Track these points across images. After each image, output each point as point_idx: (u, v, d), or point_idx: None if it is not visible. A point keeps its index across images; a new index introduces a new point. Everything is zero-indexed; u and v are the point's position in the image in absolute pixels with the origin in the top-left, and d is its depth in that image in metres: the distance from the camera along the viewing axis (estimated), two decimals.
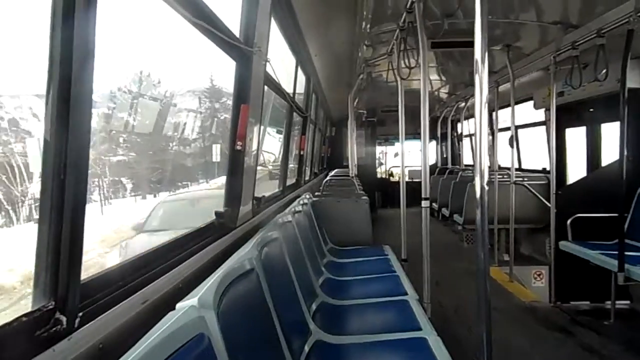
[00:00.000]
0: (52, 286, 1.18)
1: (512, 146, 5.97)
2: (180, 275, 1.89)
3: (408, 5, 3.70)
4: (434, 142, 12.39)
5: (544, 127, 6.85)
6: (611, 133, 5.63)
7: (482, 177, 1.94)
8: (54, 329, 1.15)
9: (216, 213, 2.64)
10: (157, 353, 1.15)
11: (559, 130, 5.36)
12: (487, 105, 1.96)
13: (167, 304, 1.52)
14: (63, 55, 1.18)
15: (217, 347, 1.41)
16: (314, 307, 3.14)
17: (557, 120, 5.15)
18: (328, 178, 7.40)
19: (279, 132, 7.09)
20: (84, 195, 1.26)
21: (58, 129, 1.19)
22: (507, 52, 5.34)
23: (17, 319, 1.08)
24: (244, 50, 2.73)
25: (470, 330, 3.90)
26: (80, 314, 1.24)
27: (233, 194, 2.84)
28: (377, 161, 13.51)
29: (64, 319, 1.18)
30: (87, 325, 1.25)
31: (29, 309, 1.14)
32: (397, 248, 4.78)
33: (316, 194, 5.94)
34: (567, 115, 5.76)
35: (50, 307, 1.17)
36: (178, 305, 1.45)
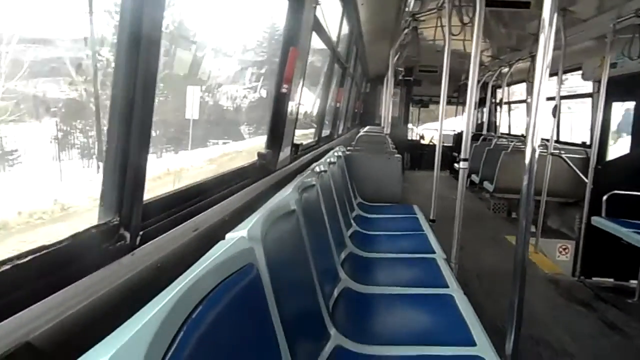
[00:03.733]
0: (117, 203, 1.23)
1: (554, 116, 5.81)
2: (226, 209, 1.94)
3: None
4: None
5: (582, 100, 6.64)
6: None
7: (533, 145, 1.90)
8: (119, 243, 1.21)
9: (258, 154, 2.68)
10: (210, 278, 1.20)
11: (606, 103, 5.16)
12: (548, 70, 1.89)
13: (215, 234, 1.56)
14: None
15: (264, 278, 1.46)
16: (342, 256, 3.20)
17: (606, 93, 4.96)
18: (361, 134, 7.37)
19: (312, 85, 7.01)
20: (149, 119, 1.29)
21: (128, 51, 1.20)
22: (562, 16, 5.10)
23: (87, 230, 1.14)
24: None
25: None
26: (142, 232, 1.30)
27: (275, 138, 2.87)
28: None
29: (127, 235, 1.23)
30: (147, 244, 1.31)
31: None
32: (424, 208, 4.79)
33: (349, 148, 5.92)
34: (616, 89, 5.53)
35: (116, 222, 1.22)
36: (228, 236, 1.49)
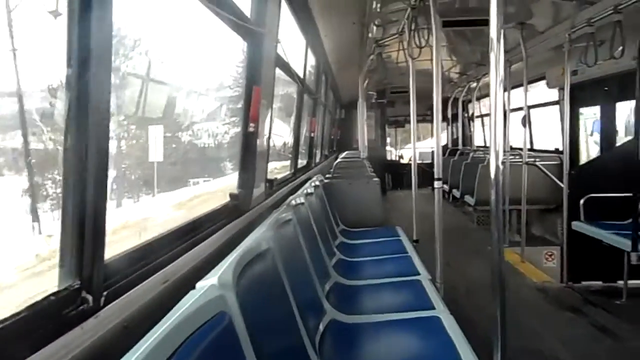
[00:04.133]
0: (77, 266, 1.21)
1: (524, 126, 5.92)
2: (198, 255, 1.92)
3: None
4: (443, 123, 12.32)
5: (554, 107, 6.79)
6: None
7: (497, 157, 1.94)
8: (81, 307, 1.18)
9: (230, 195, 2.66)
10: (180, 331, 1.17)
11: (572, 109, 5.29)
12: (502, 84, 1.95)
13: (186, 283, 1.54)
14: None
15: (238, 325, 1.43)
16: (327, 287, 3.17)
17: (571, 100, 5.09)
18: (338, 160, 7.41)
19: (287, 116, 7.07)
20: (105, 176, 1.28)
21: (79, 110, 1.20)
22: (520, 30, 5.26)
23: (46, 297, 1.12)
24: (255, 31, 2.72)
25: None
26: (105, 292, 1.27)
27: (246, 176, 2.86)
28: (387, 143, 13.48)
29: (89, 297, 1.21)
30: (111, 304, 1.29)
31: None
32: (407, 229, 4.80)
33: (327, 176, 5.94)
34: (580, 94, 5.69)
35: (77, 286, 1.20)
36: (198, 285, 1.47)
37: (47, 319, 1.09)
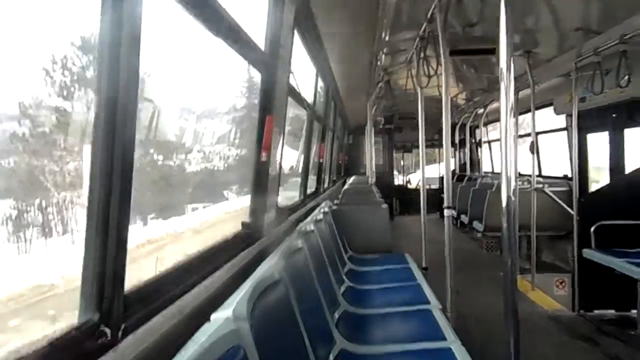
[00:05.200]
0: (97, 299, 1.23)
1: (532, 152, 5.93)
2: (212, 285, 1.93)
3: (429, 16, 3.72)
4: (451, 149, 12.34)
5: (563, 133, 6.81)
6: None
7: (508, 184, 1.95)
8: (99, 340, 1.19)
9: (243, 224, 2.68)
10: None
11: (580, 136, 5.30)
12: (512, 111, 1.97)
13: (202, 314, 1.55)
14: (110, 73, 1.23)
15: (252, 358, 1.44)
16: (336, 315, 3.16)
17: (579, 126, 5.11)
18: (347, 186, 7.43)
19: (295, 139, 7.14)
20: (127, 210, 1.31)
21: (104, 147, 1.24)
22: (527, 58, 5.32)
23: (67, 332, 1.13)
24: (269, 62, 2.78)
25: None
26: (123, 325, 1.28)
27: (258, 205, 2.88)
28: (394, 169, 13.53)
29: (108, 331, 1.22)
30: (129, 336, 1.30)
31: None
32: (415, 255, 4.78)
33: (335, 201, 5.96)
34: (588, 121, 5.70)
35: (96, 319, 1.21)
36: (213, 317, 1.48)
37: (67, 353, 1.10)
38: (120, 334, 1.27)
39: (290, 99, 3.78)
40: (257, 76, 2.90)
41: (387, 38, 4.58)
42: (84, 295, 1.22)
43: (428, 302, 3.40)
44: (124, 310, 1.31)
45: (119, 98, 1.25)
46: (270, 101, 2.87)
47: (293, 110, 5.81)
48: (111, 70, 1.24)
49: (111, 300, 1.24)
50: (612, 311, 4.94)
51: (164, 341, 1.44)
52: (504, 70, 1.93)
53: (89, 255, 1.23)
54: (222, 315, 1.48)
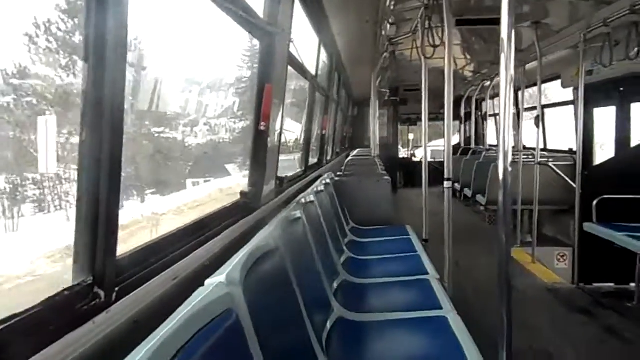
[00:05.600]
0: (90, 262, 1.25)
1: (537, 126, 5.87)
2: (208, 253, 1.95)
3: None
4: (456, 122, 12.25)
5: (569, 107, 6.73)
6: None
7: (505, 157, 1.94)
8: (94, 302, 1.22)
9: (241, 193, 2.70)
10: (188, 328, 1.20)
11: (587, 109, 5.24)
12: (512, 84, 1.95)
13: (196, 280, 1.57)
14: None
15: (245, 322, 1.46)
16: (335, 285, 3.19)
17: (586, 100, 5.04)
18: (350, 158, 7.42)
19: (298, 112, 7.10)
20: (119, 174, 1.32)
21: (93, 109, 1.24)
22: (535, 29, 5.22)
23: (60, 292, 1.15)
24: (268, 31, 2.74)
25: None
26: (117, 288, 1.31)
27: (257, 174, 2.89)
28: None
29: (102, 293, 1.24)
30: (122, 299, 1.32)
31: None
32: (417, 228, 4.80)
33: (338, 173, 5.96)
34: (595, 95, 5.62)
35: (89, 281, 1.23)
36: (207, 282, 1.50)
37: (61, 313, 1.13)
38: (114, 296, 1.29)
39: (292, 70, 3.75)
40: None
41: (392, 7, 4.49)
42: (76, 257, 1.24)
43: (427, 273, 3.43)
44: (117, 273, 1.34)
45: (106, 68, 1.24)
46: (268, 70, 2.84)
47: (297, 83, 5.76)
48: (97, 37, 1.23)
49: (104, 263, 1.26)
50: (612, 284, 4.97)
51: (158, 304, 1.47)
52: (505, 41, 1.89)
53: (80, 218, 1.24)
54: (216, 280, 1.50)
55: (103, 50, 1.24)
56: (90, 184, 1.25)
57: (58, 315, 1.12)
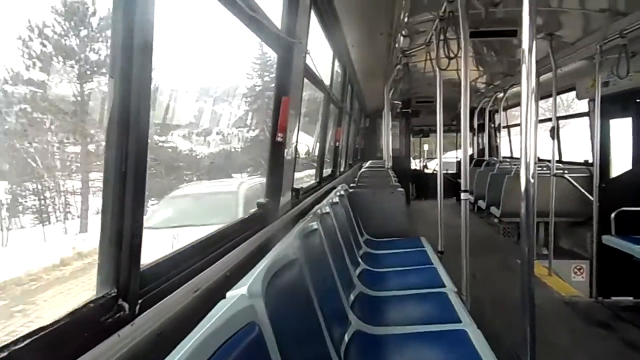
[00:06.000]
0: (114, 274, 1.25)
1: (553, 137, 5.82)
2: (228, 264, 1.95)
3: None
4: (469, 134, 12.20)
5: (584, 118, 6.67)
6: None
7: (527, 169, 1.92)
8: (118, 315, 1.21)
9: (258, 204, 2.70)
10: (212, 341, 1.19)
11: (603, 121, 5.19)
12: (534, 95, 1.93)
13: (217, 292, 1.56)
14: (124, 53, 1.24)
15: (267, 335, 1.45)
16: (352, 297, 3.17)
17: (602, 111, 4.99)
18: (363, 170, 7.41)
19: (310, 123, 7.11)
20: (143, 187, 1.32)
21: (119, 124, 1.24)
22: (549, 41, 5.20)
23: (84, 305, 1.15)
24: (285, 42, 2.76)
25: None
26: (140, 301, 1.30)
27: (274, 186, 2.89)
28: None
29: (126, 305, 1.24)
30: (146, 312, 1.32)
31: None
32: (432, 239, 4.76)
33: (351, 185, 5.95)
34: (611, 106, 5.57)
35: (114, 294, 1.23)
36: (228, 294, 1.49)
37: (86, 326, 1.12)
38: (137, 308, 1.29)
39: (306, 82, 3.76)
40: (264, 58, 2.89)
41: (405, 19, 4.51)
42: (100, 269, 1.24)
43: (444, 285, 3.40)
44: (140, 285, 1.33)
45: (132, 82, 1.25)
46: (286, 82, 2.86)
47: (306, 92, 5.78)
48: (124, 52, 1.24)
49: (128, 276, 1.26)
50: (631, 298, 4.88)
51: (180, 316, 1.46)
52: (526, 52, 1.89)
53: (105, 230, 1.24)
54: (237, 292, 1.49)
55: (130, 65, 1.24)
56: (115, 196, 1.25)
57: (83, 328, 1.12)
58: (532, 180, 1.93)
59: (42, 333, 1.01)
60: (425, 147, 14.85)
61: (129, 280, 1.26)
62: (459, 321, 2.73)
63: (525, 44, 1.89)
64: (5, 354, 0.92)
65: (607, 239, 4.62)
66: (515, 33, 4.88)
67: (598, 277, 4.99)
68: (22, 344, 0.95)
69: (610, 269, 4.88)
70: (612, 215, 4.59)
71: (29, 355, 0.97)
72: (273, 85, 2.91)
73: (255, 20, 2.16)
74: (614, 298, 4.92)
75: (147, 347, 1.27)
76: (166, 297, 1.43)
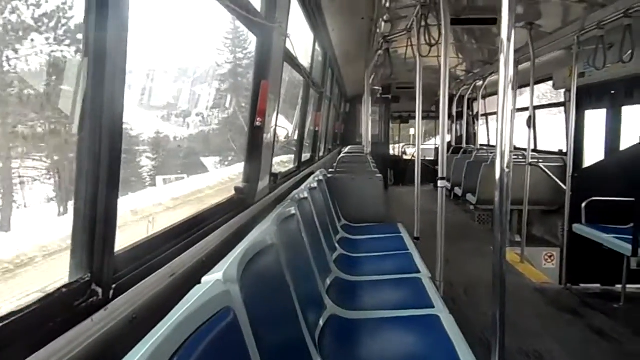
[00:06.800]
0: (88, 259, 1.23)
1: (529, 127, 5.92)
2: (204, 249, 1.94)
3: None
4: (447, 121, 12.32)
5: (558, 109, 6.80)
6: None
7: (503, 158, 1.95)
8: (91, 299, 1.21)
9: (236, 189, 2.69)
10: (187, 326, 1.19)
11: (578, 112, 5.29)
12: (512, 84, 1.95)
13: (192, 277, 1.56)
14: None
15: (242, 320, 1.46)
16: (328, 282, 3.20)
17: (577, 102, 5.09)
18: (342, 155, 7.42)
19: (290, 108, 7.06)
20: (118, 171, 1.30)
21: (92, 106, 1.22)
22: (529, 30, 5.25)
23: (57, 290, 1.14)
24: (265, 26, 2.72)
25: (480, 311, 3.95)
26: (114, 285, 1.30)
27: (252, 170, 2.88)
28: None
29: (99, 290, 1.23)
30: (120, 296, 1.31)
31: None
32: (408, 225, 4.82)
33: (330, 170, 5.96)
34: (587, 97, 5.68)
35: (87, 278, 1.22)
36: (204, 279, 1.49)
37: (59, 310, 1.12)
38: (111, 293, 1.28)
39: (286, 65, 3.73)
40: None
41: (387, 4, 4.49)
42: (74, 254, 1.23)
43: (418, 271, 3.45)
44: (114, 270, 1.32)
45: (106, 63, 1.23)
46: (265, 66, 2.83)
47: (286, 76, 5.73)
48: (98, 32, 1.21)
49: (101, 260, 1.25)
50: (598, 285, 5.04)
51: (155, 301, 1.46)
52: (505, 41, 1.90)
53: (79, 215, 1.23)
54: (213, 277, 1.49)
55: (103, 45, 1.22)
56: (89, 181, 1.23)
57: (56, 312, 1.11)
58: (507, 170, 1.96)
59: (13, 318, 1.00)
60: (412, 131, 14.90)
61: (102, 265, 1.25)
62: (432, 306, 2.78)
63: (504, 33, 1.90)
64: None
65: (577, 228, 4.74)
66: (495, 21, 4.92)
67: (568, 264, 5.14)
68: None
69: (579, 257, 5.02)
70: (583, 204, 4.71)
71: (1, 339, 0.96)
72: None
73: (233, 1, 2.13)
74: (582, 285, 5.07)
75: (122, 332, 1.27)
76: (141, 282, 1.43)
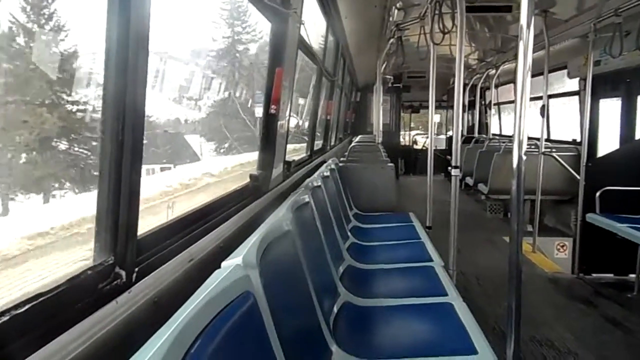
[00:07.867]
0: (112, 242, 1.25)
1: (543, 116, 5.85)
2: (221, 235, 1.96)
3: None
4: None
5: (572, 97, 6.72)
6: None
7: (520, 146, 1.93)
8: (115, 282, 1.23)
9: (251, 176, 2.70)
10: (208, 309, 1.20)
11: (593, 100, 5.22)
12: (530, 72, 1.93)
13: (210, 262, 1.58)
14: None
15: (261, 304, 1.47)
16: (341, 269, 3.21)
17: (592, 91, 5.02)
18: (353, 144, 7.41)
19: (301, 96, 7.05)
20: (140, 155, 1.31)
21: (116, 90, 1.23)
22: (544, 17, 5.17)
23: (82, 272, 1.16)
24: (280, 12, 2.71)
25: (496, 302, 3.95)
26: (136, 269, 1.31)
27: (266, 158, 2.89)
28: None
29: (123, 273, 1.25)
30: (142, 280, 1.33)
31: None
32: (419, 214, 4.82)
33: (341, 159, 5.96)
34: (601, 86, 5.59)
35: (111, 261, 1.24)
36: (224, 264, 1.50)
37: (85, 292, 1.14)
38: (134, 276, 1.30)
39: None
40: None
41: None
42: (98, 237, 1.25)
43: (431, 260, 3.45)
44: (137, 253, 1.34)
45: (129, 47, 1.23)
46: (280, 53, 2.82)
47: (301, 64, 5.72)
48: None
49: (125, 244, 1.27)
50: (611, 275, 5.01)
51: (176, 285, 1.48)
52: (524, 27, 1.87)
53: (103, 198, 1.24)
54: (232, 262, 1.50)
55: (127, 33, 1.23)
56: (113, 164, 1.25)
57: (82, 294, 1.13)
58: (524, 158, 1.95)
59: (42, 299, 1.02)
60: (437, 117, 14.67)
61: (126, 249, 1.27)
62: (446, 294, 2.78)
63: (523, 19, 1.88)
64: (7, 318, 0.93)
65: (591, 217, 4.70)
66: (510, 9, 4.85)
67: (581, 254, 5.11)
68: (23, 309, 0.96)
69: (592, 247, 4.99)
70: (597, 194, 4.67)
71: (30, 319, 0.98)
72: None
73: None
74: (595, 275, 5.05)
75: (145, 314, 1.29)
76: (162, 266, 1.44)
